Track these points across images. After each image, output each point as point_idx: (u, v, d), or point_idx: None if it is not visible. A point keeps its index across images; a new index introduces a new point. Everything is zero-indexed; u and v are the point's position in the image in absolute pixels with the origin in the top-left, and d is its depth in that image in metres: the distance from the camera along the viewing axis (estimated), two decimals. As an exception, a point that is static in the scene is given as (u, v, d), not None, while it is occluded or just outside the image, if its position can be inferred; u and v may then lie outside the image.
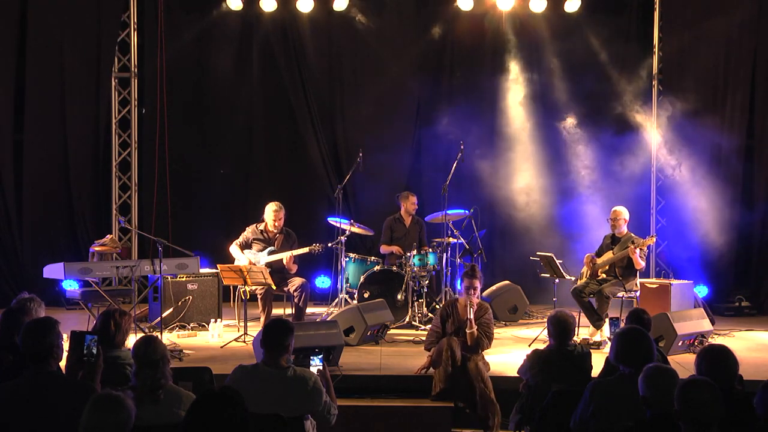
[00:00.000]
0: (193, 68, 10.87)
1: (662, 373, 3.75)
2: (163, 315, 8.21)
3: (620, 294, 8.10)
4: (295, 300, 8.26)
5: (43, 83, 10.42)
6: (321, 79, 10.86)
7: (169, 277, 8.55)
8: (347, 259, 9.09)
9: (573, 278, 8.40)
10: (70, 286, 8.17)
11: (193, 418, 3.12)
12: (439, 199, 9.13)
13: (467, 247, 9.05)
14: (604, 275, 8.23)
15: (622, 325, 5.85)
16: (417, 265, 8.79)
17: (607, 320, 7.63)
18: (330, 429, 4.71)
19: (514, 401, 5.56)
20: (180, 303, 8.73)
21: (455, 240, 9.06)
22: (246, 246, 8.52)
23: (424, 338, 7.98)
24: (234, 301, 8.65)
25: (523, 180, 10.58)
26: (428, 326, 8.40)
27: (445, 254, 8.95)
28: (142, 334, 5.33)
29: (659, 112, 10.62)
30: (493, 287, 9.49)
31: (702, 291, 9.85)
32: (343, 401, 5.32)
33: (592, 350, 5.78)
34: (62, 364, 4.04)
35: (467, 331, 6.38)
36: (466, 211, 9.21)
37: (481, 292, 7.03)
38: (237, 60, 10.84)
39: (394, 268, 8.95)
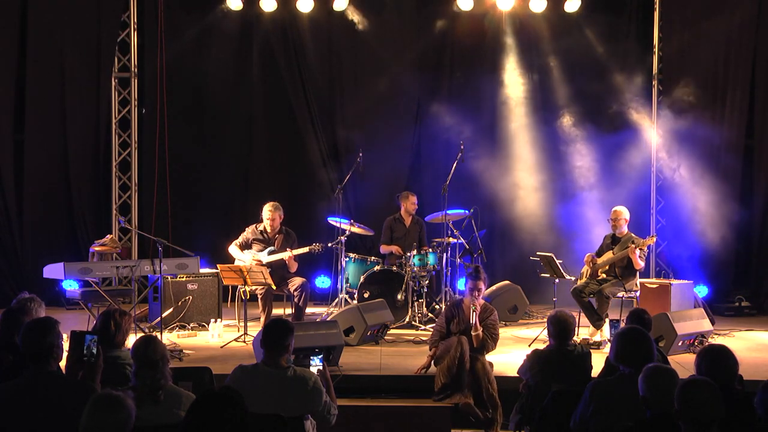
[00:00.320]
0: (193, 68, 10.86)
1: (662, 373, 3.75)
2: (163, 315, 8.21)
3: (620, 294, 8.10)
4: (295, 300, 8.26)
5: (43, 83, 10.42)
6: (321, 79, 10.85)
7: (169, 277, 8.55)
8: (347, 259, 9.09)
9: (573, 278, 8.40)
10: (70, 286, 8.17)
11: (193, 418, 3.12)
12: (439, 199, 9.13)
13: (467, 247, 9.05)
14: (604, 275, 8.23)
15: (623, 325, 5.84)
16: (417, 265, 8.79)
17: (607, 320, 7.64)
18: (330, 429, 4.71)
19: (514, 401, 5.56)
20: (180, 303, 8.73)
21: (455, 240, 9.06)
22: (246, 246, 8.52)
23: (424, 338, 8.05)
24: (234, 301, 8.65)
25: (524, 180, 10.58)
26: (428, 326, 8.43)
27: (445, 254, 8.95)
28: (142, 334, 5.33)
29: (659, 112, 10.63)
30: (493, 287, 9.48)
31: (702, 291, 9.85)
32: (343, 401, 5.32)
33: (592, 350, 5.78)
34: (62, 364, 4.04)
35: (473, 333, 6.36)
36: (466, 211, 9.21)
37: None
38: (237, 60, 10.85)
39: (394, 268, 8.95)
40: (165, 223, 10.44)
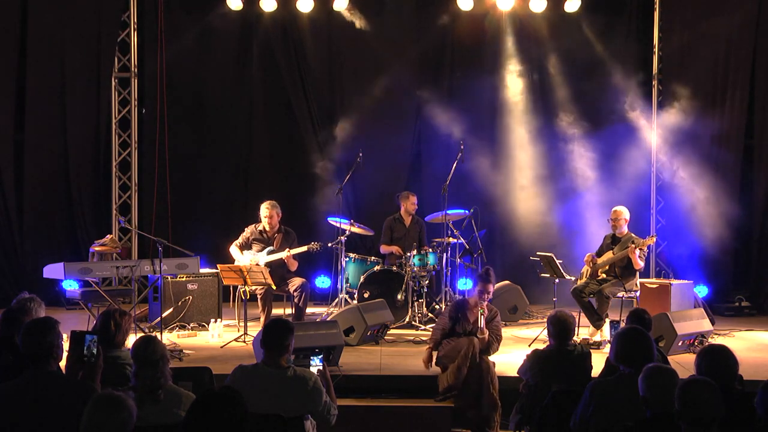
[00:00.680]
0: (193, 68, 10.87)
1: (662, 373, 3.76)
2: (163, 315, 8.20)
3: (620, 294, 8.10)
4: (295, 300, 8.26)
5: (43, 83, 10.43)
6: (321, 79, 10.86)
7: (169, 277, 8.55)
8: (347, 259, 9.09)
9: (573, 278, 8.40)
10: (70, 286, 8.16)
11: (193, 418, 3.12)
12: (439, 199, 9.14)
13: (467, 247, 9.05)
14: (604, 275, 8.24)
15: (623, 325, 5.84)
16: (417, 265, 8.79)
17: (607, 321, 7.64)
18: (330, 429, 4.70)
19: (514, 401, 5.56)
20: (180, 303, 8.73)
21: (455, 240, 9.06)
22: (246, 246, 8.52)
23: (424, 338, 8.05)
24: (234, 301, 8.65)
25: (523, 180, 10.58)
26: (428, 326, 8.43)
27: (445, 254, 8.95)
28: (142, 334, 5.33)
29: (659, 112, 10.63)
30: (494, 287, 9.48)
31: (702, 291, 9.85)
32: (343, 401, 5.32)
33: (592, 350, 5.78)
34: (62, 364, 4.04)
35: (479, 336, 6.33)
36: (466, 211, 9.21)
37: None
38: (237, 60, 10.85)
39: (394, 268, 8.95)
40: (165, 223, 10.45)
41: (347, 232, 9.16)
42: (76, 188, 10.49)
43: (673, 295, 8.55)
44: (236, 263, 8.28)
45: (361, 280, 8.85)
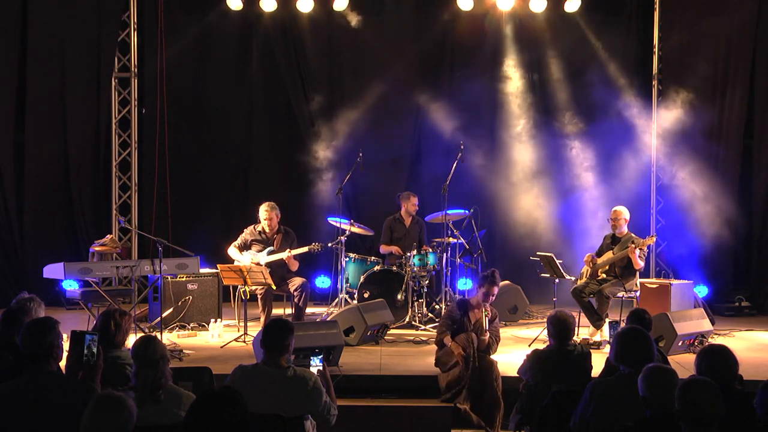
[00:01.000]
0: (193, 68, 10.88)
1: (662, 373, 3.76)
2: (163, 315, 8.20)
3: (620, 294, 8.10)
4: (295, 300, 8.26)
5: (43, 83, 10.43)
6: (321, 79, 10.86)
7: (169, 277, 8.55)
8: (347, 259, 9.09)
9: (573, 278, 8.40)
10: (70, 286, 8.16)
11: (193, 418, 3.12)
12: (439, 199, 9.14)
13: (467, 247, 9.06)
14: (604, 275, 8.24)
15: (623, 325, 5.84)
16: (417, 265, 8.78)
17: (607, 321, 7.64)
18: (330, 429, 4.70)
19: (514, 401, 5.56)
20: (180, 303, 8.73)
21: (455, 240, 9.06)
22: (245, 247, 8.51)
23: (424, 338, 8.07)
24: (234, 301, 8.64)
25: (523, 180, 10.58)
26: (428, 326, 8.44)
27: (445, 254, 8.95)
28: (142, 334, 5.32)
29: (659, 112, 10.62)
30: (494, 287, 9.48)
31: (702, 291, 9.85)
32: (343, 401, 5.31)
33: (592, 350, 5.78)
34: (62, 364, 4.04)
35: (480, 337, 6.34)
36: (466, 211, 9.21)
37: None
38: (237, 60, 10.85)
39: (394, 268, 8.94)
40: (165, 223, 10.44)
41: (347, 232, 9.16)
42: (76, 188, 10.49)
43: (673, 295, 8.55)
44: (236, 263, 8.27)
45: (361, 280, 8.85)
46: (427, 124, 10.69)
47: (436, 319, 8.25)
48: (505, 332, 8.57)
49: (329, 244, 8.94)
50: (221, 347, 7.71)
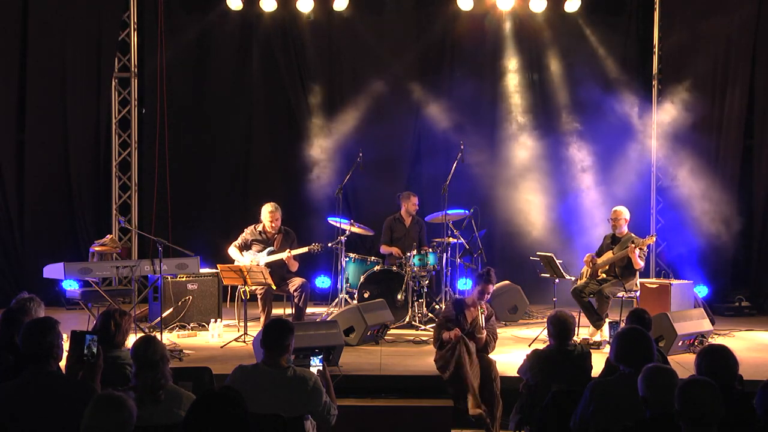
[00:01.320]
0: (193, 68, 10.88)
1: (662, 373, 3.75)
2: (163, 315, 8.20)
3: (620, 294, 8.10)
4: (295, 300, 8.26)
5: (43, 83, 10.42)
6: (321, 79, 10.85)
7: (169, 277, 8.55)
8: (347, 259, 9.09)
9: (573, 278, 8.40)
10: (70, 286, 8.16)
11: (193, 418, 3.12)
12: (439, 199, 9.14)
13: (467, 247, 9.06)
14: (604, 275, 8.24)
15: (623, 325, 5.84)
16: (417, 265, 8.78)
17: (607, 321, 7.64)
18: (330, 429, 4.70)
19: (514, 401, 5.56)
20: (180, 303, 8.73)
21: (455, 240, 9.06)
22: (245, 247, 8.51)
23: (424, 338, 8.06)
24: (234, 301, 8.65)
25: (523, 180, 10.58)
26: (428, 326, 8.44)
27: (445, 254, 8.95)
28: (142, 334, 5.32)
29: (659, 112, 10.62)
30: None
31: (702, 291, 9.85)
32: (343, 401, 5.32)
33: (592, 350, 5.78)
34: (62, 364, 4.04)
35: (477, 335, 6.34)
36: (466, 211, 9.21)
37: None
38: (237, 60, 10.84)
39: (394, 268, 8.94)
40: (165, 223, 10.44)
41: (347, 232, 9.16)
42: (77, 188, 10.48)
43: (673, 295, 8.55)
44: (236, 263, 8.27)
45: (361, 280, 8.85)
46: (427, 123, 10.69)
47: (436, 319, 8.24)
48: (504, 332, 8.59)
49: (329, 244, 8.94)
50: (221, 347, 7.71)
